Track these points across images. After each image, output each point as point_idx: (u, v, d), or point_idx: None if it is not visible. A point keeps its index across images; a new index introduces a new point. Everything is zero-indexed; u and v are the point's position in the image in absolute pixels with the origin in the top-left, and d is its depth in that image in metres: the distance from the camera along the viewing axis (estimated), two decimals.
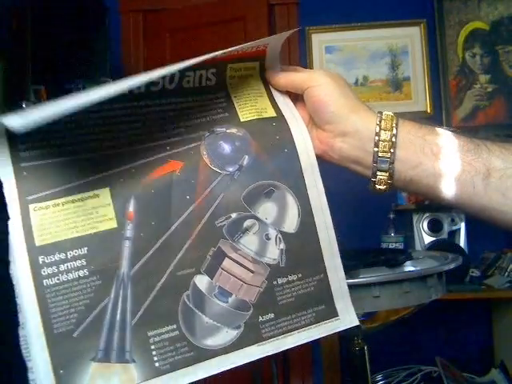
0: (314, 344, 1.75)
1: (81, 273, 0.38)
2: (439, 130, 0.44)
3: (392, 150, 0.43)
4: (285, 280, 0.43)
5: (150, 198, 0.41)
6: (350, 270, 0.64)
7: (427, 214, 1.73)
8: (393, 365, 1.66)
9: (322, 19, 1.95)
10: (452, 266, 0.68)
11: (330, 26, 1.96)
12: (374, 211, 1.75)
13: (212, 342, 0.41)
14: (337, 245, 0.45)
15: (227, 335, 0.41)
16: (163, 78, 0.43)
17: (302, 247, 0.44)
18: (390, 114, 0.44)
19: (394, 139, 0.43)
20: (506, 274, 1.61)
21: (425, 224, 1.73)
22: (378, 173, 0.44)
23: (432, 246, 1.64)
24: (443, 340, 1.77)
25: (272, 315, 0.43)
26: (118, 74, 1.80)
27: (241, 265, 0.42)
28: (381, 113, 0.44)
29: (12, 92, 1.16)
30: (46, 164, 0.39)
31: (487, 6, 1.90)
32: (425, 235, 1.73)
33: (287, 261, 0.43)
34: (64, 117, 0.38)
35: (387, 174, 0.43)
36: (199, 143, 0.43)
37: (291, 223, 0.44)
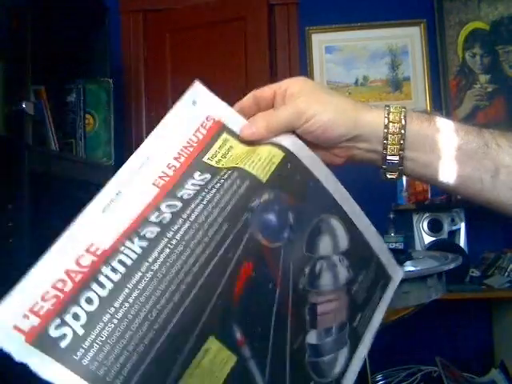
0: None
1: None
2: (448, 122, 0.43)
3: (401, 151, 0.42)
4: (357, 285, 0.47)
5: (246, 314, 0.39)
6: None
7: (427, 214, 1.73)
8: (393, 365, 1.66)
9: (322, 19, 1.95)
10: (452, 265, 0.68)
11: (329, 26, 1.96)
12: (374, 211, 1.75)
13: (337, 369, 0.45)
14: (379, 236, 0.49)
15: (344, 355, 0.46)
16: (170, 211, 0.39)
17: (357, 252, 0.47)
18: (399, 106, 0.43)
19: (402, 131, 0.42)
20: (506, 274, 1.61)
21: (425, 224, 1.73)
22: (388, 157, 0.43)
23: (432, 246, 1.64)
24: (443, 340, 1.77)
25: (359, 315, 0.47)
26: (118, 74, 1.80)
27: (328, 301, 0.45)
28: (388, 106, 0.43)
29: (12, 92, 1.16)
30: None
31: (487, 5, 1.90)
32: (425, 235, 1.73)
33: (353, 269, 0.47)
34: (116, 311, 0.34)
35: (398, 158, 0.43)
36: (247, 230, 0.40)
37: (344, 241, 0.47)
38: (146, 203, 0.40)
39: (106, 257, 0.36)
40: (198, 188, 0.41)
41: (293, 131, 0.44)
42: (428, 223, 1.73)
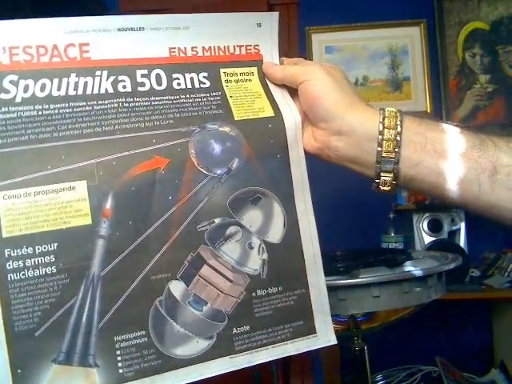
0: None
1: (48, 270, 0.36)
2: (442, 125, 0.42)
3: (397, 150, 0.40)
4: (264, 292, 0.41)
5: (129, 196, 0.38)
6: (350, 270, 0.64)
7: (427, 214, 1.73)
8: (393, 365, 1.66)
9: (322, 19, 1.95)
10: (452, 265, 0.68)
11: (329, 26, 1.96)
12: (373, 211, 1.75)
13: (181, 351, 0.39)
14: (321, 260, 0.43)
15: (198, 345, 0.39)
16: (149, 79, 0.42)
17: (284, 259, 0.42)
18: (394, 110, 0.42)
19: (398, 138, 0.40)
20: (506, 274, 1.61)
21: (425, 224, 1.73)
22: (382, 174, 0.41)
23: (432, 246, 1.64)
24: (443, 340, 1.77)
25: (247, 328, 0.41)
26: None
27: (220, 273, 0.40)
28: (383, 110, 0.42)
29: None
30: (21, 150, 0.37)
31: (487, 5, 1.90)
32: (425, 235, 1.73)
33: (269, 272, 0.41)
34: (43, 106, 0.38)
35: (392, 175, 0.41)
36: (188, 139, 0.41)
37: (276, 233, 0.42)
38: (135, 58, 0.41)
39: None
40: (189, 86, 0.42)
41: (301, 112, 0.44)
42: (428, 223, 1.73)
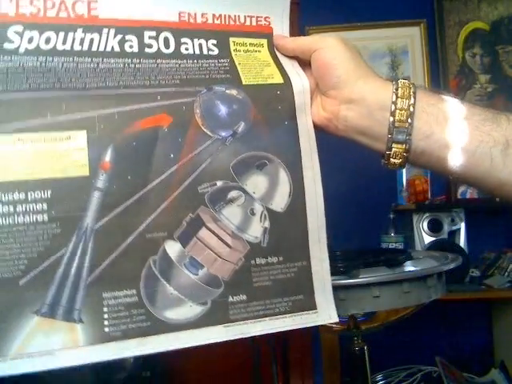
0: (314, 344, 1.75)
1: (39, 217, 0.35)
2: (454, 98, 0.41)
3: (410, 120, 0.39)
4: (264, 261, 0.40)
5: (130, 150, 0.37)
6: (350, 270, 0.64)
7: (427, 214, 1.73)
8: (393, 365, 1.66)
9: (322, 19, 1.95)
10: (452, 265, 0.67)
11: (330, 26, 1.96)
12: (374, 211, 1.75)
13: (173, 315, 0.37)
14: (325, 234, 0.41)
15: (191, 310, 0.38)
16: (156, 41, 0.41)
17: (287, 229, 0.41)
18: (407, 81, 0.41)
19: (411, 108, 0.39)
20: (506, 274, 1.61)
21: (425, 224, 1.73)
22: (394, 145, 0.40)
23: (432, 246, 1.64)
24: (443, 340, 1.77)
25: (244, 297, 0.39)
26: None
27: (218, 237, 0.39)
28: (396, 80, 0.41)
29: None
30: (20, 97, 0.36)
31: (487, 5, 1.90)
32: (425, 235, 1.73)
33: (270, 241, 0.40)
34: (47, 58, 0.38)
35: (403, 147, 0.40)
36: (194, 99, 0.40)
37: (280, 201, 0.40)
38: (144, 19, 0.40)
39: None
40: (197, 52, 0.42)
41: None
42: (428, 223, 1.73)
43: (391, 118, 0.40)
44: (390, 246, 1.68)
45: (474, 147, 0.38)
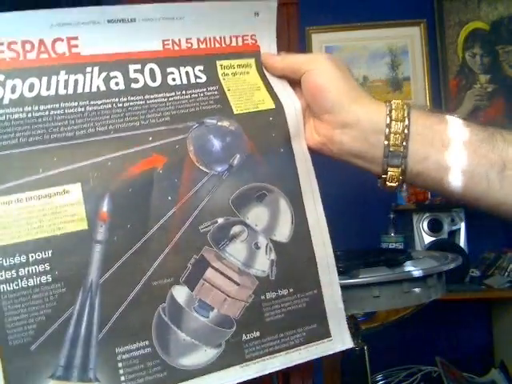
0: None
1: (43, 279, 0.34)
2: (450, 118, 0.40)
3: (405, 144, 0.38)
4: (274, 295, 0.39)
5: (126, 198, 0.36)
6: (350, 270, 0.64)
7: (427, 214, 1.73)
8: (393, 365, 1.66)
9: (322, 19, 1.95)
10: (452, 265, 0.68)
11: (329, 26, 1.96)
12: (374, 211, 1.75)
13: (188, 361, 0.36)
14: (334, 258, 0.41)
15: (206, 355, 0.37)
16: (142, 74, 0.40)
17: (294, 258, 0.40)
18: (400, 102, 0.40)
19: (406, 131, 0.38)
20: (506, 274, 1.61)
21: (425, 224, 1.73)
22: (390, 169, 0.39)
23: (432, 246, 1.64)
24: (443, 340, 1.77)
25: (257, 333, 0.38)
26: None
27: (225, 276, 0.38)
28: (390, 102, 0.40)
29: None
30: (10, 154, 0.35)
31: (487, 5, 1.90)
32: (425, 235, 1.73)
33: (278, 273, 0.39)
34: (32, 107, 0.37)
35: (399, 170, 0.39)
36: (186, 136, 0.39)
37: (284, 231, 0.40)
38: (127, 52, 0.40)
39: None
40: (185, 82, 0.41)
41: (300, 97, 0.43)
42: (428, 223, 1.73)
43: (386, 142, 0.39)
44: (390, 246, 1.68)
45: (471, 169, 0.38)
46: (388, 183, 0.40)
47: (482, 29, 1.90)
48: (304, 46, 1.96)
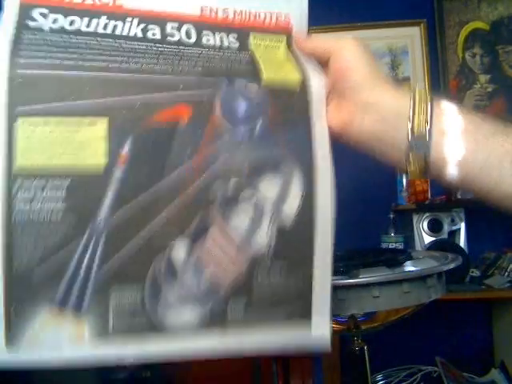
0: None
1: (58, 205, 0.34)
2: (463, 108, 0.41)
3: (428, 127, 0.39)
4: (268, 266, 0.39)
5: (148, 143, 0.37)
6: (350, 270, 0.64)
7: (427, 214, 1.73)
8: (393, 365, 1.66)
9: (322, 19, 1.94)
10: (452, 265, 0.68)
11: (330, 26, 1.95)
12: (374, 211, 1.75)
13: (170, 320, 0.37)
14: (332, 243, 0.41)
15: (188, 317, 0.37)
16: (179, 31, 0.41)
17: (295, 234, 0.40)
18: (423, 90, 0.42)
19: (429, 114, 0.40)
20: (506, 273, 1.61)
21: (425, 224, 1.73)
22: (412, 153, 0.40)
23: (432, 246, 1.64)
24: (443, 340, 1.77)
25: (244, 300, 0.38)
26: None
27: (227, 238, 0.38)
28: (414, 88, 0.41)
29: None
30: (47, 75, 0.35)
31: (487, 5, 1.90)
32: (425, 235, 1.73)
33: (276, 245, 0.39)
34: (70, 36, 0.38)
35: (422, 154, 0.40)
36: (215, 91, 0.39)
37: (291, 205, 0.40)
38: (167, 12, 0.41)
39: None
40: (218, 43, 0.42)
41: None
42: (428, 223, 1.73)
43: (410, 125, 0.40)
44: (390, 246, 1.68)
45: (484, 158, 0.38)
46: (410, 167, 0.40)
47: (481, 29, 1.90)
48: None
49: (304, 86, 0.42)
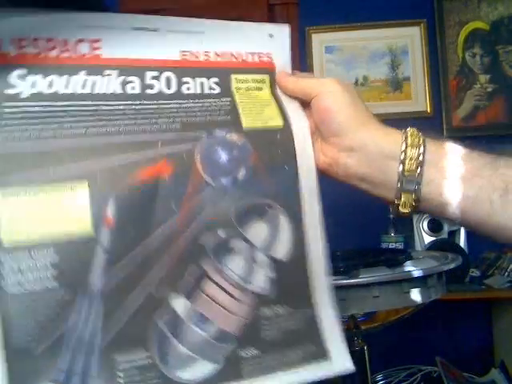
0: None
1: (49, 283, 0.34)
2: (451, 143, 0.41)
3: (419, 170, 0.39)
4: (272, 312, 0.39)
5: (131, 203, 0.36)
6: (350, 270, 0.64)
7: (427, 214, 1.73)
8: (393, 365, 1.66)
9: (322, 19, 1.95)
10: (452, 265, 0.68)
11: (329, 26, 1.96)
12: (374, 211, 1.75)
13: (186, 375, 0.36)
14: (331, 279, 0.40)
15: (204, 369, 0.36)
16: (158, 81, 0.40)
17: (292, 276, 0.40)
18: (415, 129, 0.41)
19: (421, 157, 0.39)
20: (506, 273, 1.61)
21: (425, 224, 1.73)
22: (403, 194, 0.40)
23: (432, 246, 1.64)
24: (443, 340, 1.77)
25: (255, 351, 0.38)
26: None
27: (224, 290, 0.38)
28: (405, 129, 0.41)
29: None
30: (22, 146, 0.35)
31: (487, 5, 1.90)
32: (425, 235, 1.73)
33: (276, 290, 0.39)
34: (49, 103, 0.37)
35: (413, 196, 0.40)
36: (194, 145, 0.39)
37: (282, 249, 0.40)
38: (146, 59, 0.41)
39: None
40: (199, 91, 0.42)
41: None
42: (428, 223, 1.73)
43: (400, 168, 0.40)
44: (390, 246, 1.68)
45: (474, 193, 0.38)
46: (401, 209, 0.41)
47: (482, 29, 1.90)
48: (304, 46, 1.96)
49: (285, 131, 0.42)
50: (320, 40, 1.97)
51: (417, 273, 0.65)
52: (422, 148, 0.40)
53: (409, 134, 0.40)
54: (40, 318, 0.33)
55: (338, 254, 0.71)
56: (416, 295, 0.63)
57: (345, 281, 0.59)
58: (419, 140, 0.40)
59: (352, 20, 1.93)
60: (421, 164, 0.39)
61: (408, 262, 0.71)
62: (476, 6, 1.91)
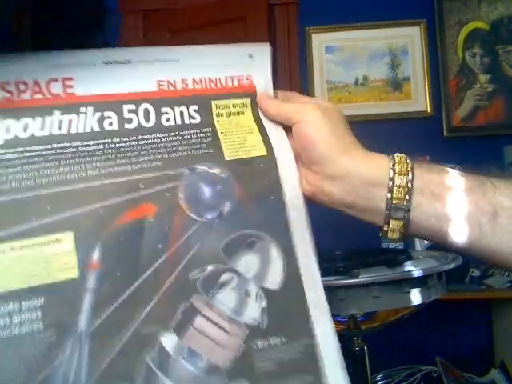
0: None
1: (35, 326, 0.34)
2: (438, 167, 0.41)
3: (408, 197, 0.39)
4: (266, 344, 0.37)
5: (117, 246, 0.36)
6: (349, 270, 0.64)
7: None
8: (393, 365, 1.66)
9: (322, 19, 1.95)
10: (452, 265, 0.67)
11: (329, 26, 1.96)
12: None
13: None
14: (327, 306, 0.39)
15: None
16: (136, 114, 0.40)
17: (286, 306, 0.38)
18: (403, 156, 0.40)
19: (409, 185, 0.39)
20: (506, 273, 1.61)
21: None
22: (392, 221, 0.40)
23: (432, 246, 1.64)
24: (443, 340, 1.77)
25: (249, 382, 0.36)
26: None
27: (215, 324, 0.37)
28: (392, 155, 0.40)
29: None
30: (4, 201, 0.35)
31: (487, 5, 1.90)
32: None
33: (269, 321, 0.38)
34: (25, 148, 0.36)
35: (401, 223, 0.39)
36: (177, 183, 0.39)
37: (275, 279, 0.39)
38: (122, 93, 0.40)
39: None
40: (179, 122, 0.41)
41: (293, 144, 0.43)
42: None
43: (388, 195, 0.39)
44: (390, 246, 1.68)
45: (462, 218, 0.38)
46: (390, 236, 0.40)
47: (481, 29, 1.90)
48: (304, 46, 1.96)
49: (269, 159, 0.41)
50: (320, 40, 1.97)
51: (417, 273, 0.65)
52: (410, 175, 0.39)
53: (396, 160, 0.40)
54: (25, 361, 0.33)
55: (338, 253, 0.71)
56: (416, 295, 0.63)
57: (345, 281, 0.59)
58: (407, 167, 0.39)
59: (352, 20, 1.93)
60: (409, 192, 0.39)
61: (408, 262, 0.71)
62: (476, 5, 1.91)
